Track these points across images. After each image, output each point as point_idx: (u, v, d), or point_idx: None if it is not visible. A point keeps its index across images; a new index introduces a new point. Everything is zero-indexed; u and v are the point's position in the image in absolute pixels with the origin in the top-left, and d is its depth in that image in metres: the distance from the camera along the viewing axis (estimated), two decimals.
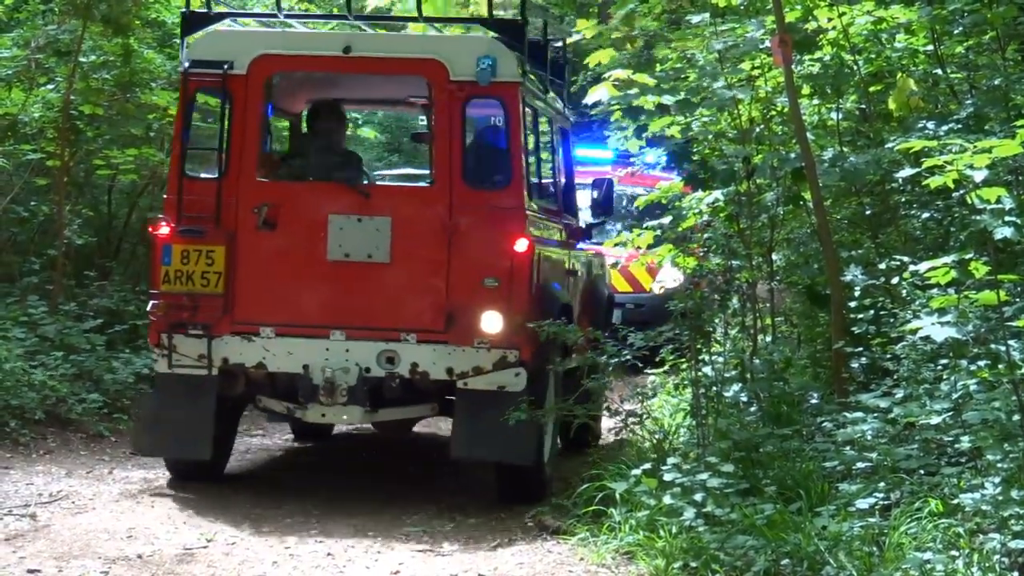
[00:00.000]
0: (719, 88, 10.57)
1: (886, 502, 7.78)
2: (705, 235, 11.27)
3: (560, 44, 12.14)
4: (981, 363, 7.87)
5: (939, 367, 8.32)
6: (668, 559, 7.85)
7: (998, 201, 7.55)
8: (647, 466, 9.10)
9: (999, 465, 7.46)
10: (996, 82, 10.47)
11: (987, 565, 6.91)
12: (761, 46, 10.21)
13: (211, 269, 9.33)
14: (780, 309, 11.40)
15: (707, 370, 10.38)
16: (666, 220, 11.41)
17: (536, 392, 9.43)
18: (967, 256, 7.68)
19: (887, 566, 7.11)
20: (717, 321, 11.26)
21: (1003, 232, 7.57)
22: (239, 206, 9.36)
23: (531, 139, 10.49)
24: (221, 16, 9.98)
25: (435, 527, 9.53)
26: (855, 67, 10.76)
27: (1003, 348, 7.62)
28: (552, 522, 9.28)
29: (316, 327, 9.40)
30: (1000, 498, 7.19)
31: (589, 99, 11.64)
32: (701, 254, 11.48)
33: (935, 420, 7.96)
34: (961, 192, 7.81)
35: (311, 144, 10.94)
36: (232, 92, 9.55)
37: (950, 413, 7.96)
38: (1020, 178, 9.11)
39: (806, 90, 10.74)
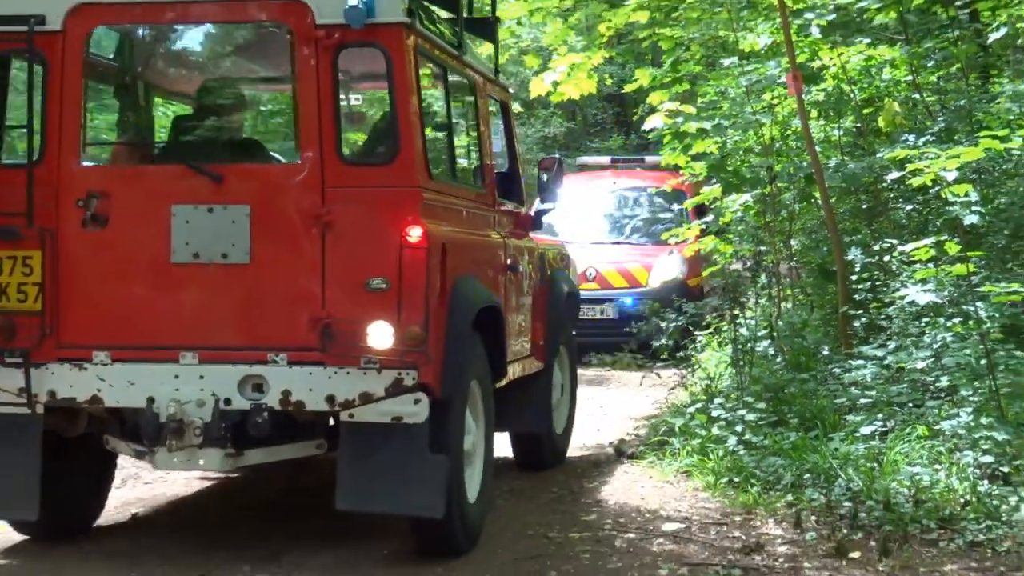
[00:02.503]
0: (746, 114, 10.51)
1: (883, 429, 7.74)
2: (739, 227, 11.25)
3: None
4: (955, 320, 7.88)
5: (923, 324, 8.33)
6: (716, 476, 7.83)
7: (966, 195, 7.66)
8: (699, 405, 9.20)
9: (970, 399, 7.51)
10: (962, 103, 10.48)
11: (963, 476, 6.95)
12: (778, 81, 10.13)
13: (28, 280, 5.78)
14: (798, 282, 11.40)
15: (743, 330, 10.28)
16: (709, 217, 11.42)
17: (445, 422, 5.87)
18: (942, 238, 7.81)
19: (885, 478, 7.09)
20: (750, 293, 11.16)
21: (970, 219, 7.67)
22: (59, 199, 5.84)
23: (435, 103, 7.20)
24: None
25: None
26: (852, 94, 10.71)
27: (972, 308, 7.66)
28: (628, 449, 9.16)
29: (161, 349, 5.80)
30: (972, 424, 7.27)
31: (646, 126, 11.56)
32: (737, 242, 11.58)
33: (920, 365, 7.97)
34: (937, 189, 7.91)
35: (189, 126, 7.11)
36: (45, 54, 5.89)
37: (931, 359, 7.98)
38: (982, 176, 9.14)
39: (814, 113, 10.64)
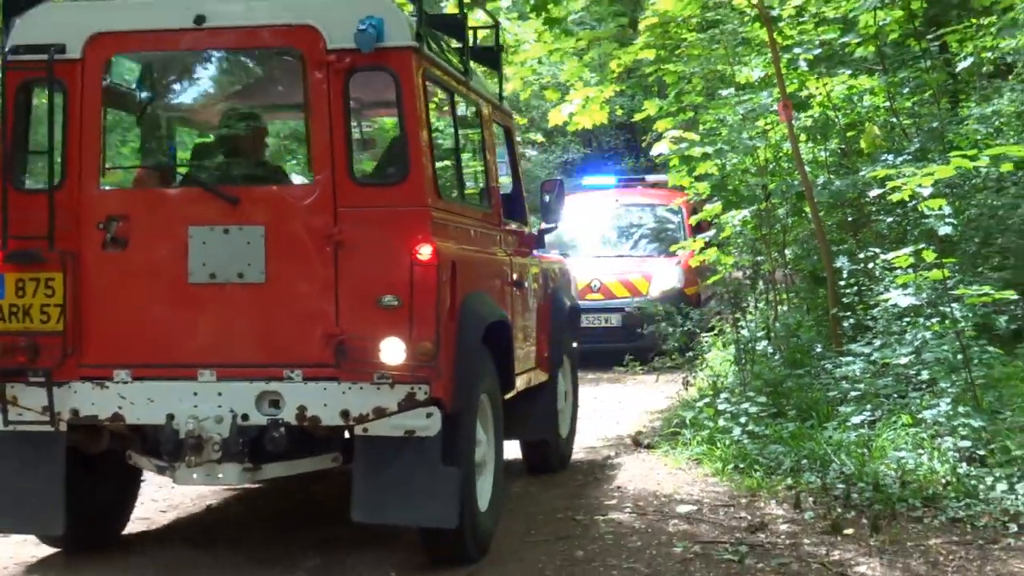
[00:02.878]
0: (743, 139, 10.46)
1: (871, 418, 7.73)
2: (738, 240, 11.14)
3: (492, 27, 7.96)
4: (933, 320, 7.85)
5: (904, 323, 8.29)
6: (724, 462, 7.86)
7: (940, 208, 7.61)
8: (706, 400, 9.21)
9: (949, 390, 7.48)
10: (934, 125, 10.47)
11: (944, 459, 6.94)
12: (770, 109, 10.06)
13: (51, 301, 5.37)
14: (792, 288, 11.33)
15: (744, 332, 10.21)
16: (711, 232, 11.35)
17: (456, 435, 5.43)
18: (920, 247, 7.77)
19: (874, 462, 7.08)
20: (749, 298, 11.11)
21: (944, 230, 7.64)
22: (80, 222, 5.44)
23: (443, 127, 6.78)
24: None
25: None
26: (836, 119, 10.71)
27: (948, 309, 7.64)
28: (644, 440, 9.16)
29: (180, 366, 5.38)
30: (950, 413, 7.25)
31: (653, 151, 11.42)
32: (737, 253, 11.50)
33: (903, 360, 7.95)
34: (914, 203, 7.85)
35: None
36: (65, 82, 5.46)
37: (913, 355, 7.96)
38: (954, 190, 9.07)
39: (803, 137, 10.62)
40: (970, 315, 7.67)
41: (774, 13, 10.32)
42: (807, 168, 10.05)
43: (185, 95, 6.79)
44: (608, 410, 11.03)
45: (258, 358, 5.36)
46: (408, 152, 5.36)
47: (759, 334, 10.27)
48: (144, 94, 6.56)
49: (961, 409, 7.19)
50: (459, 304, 5.48)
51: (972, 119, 10.82)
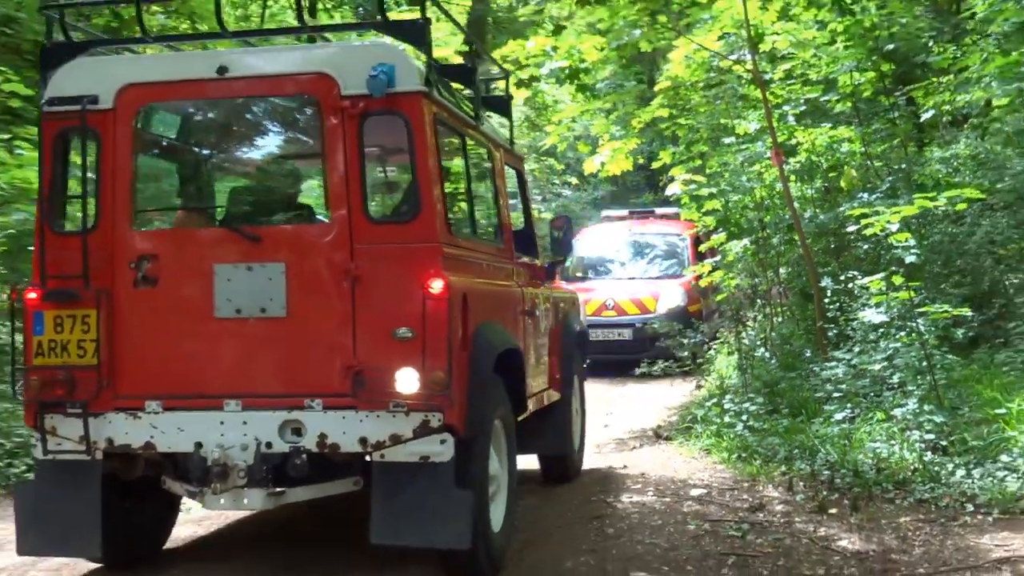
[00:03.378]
0: (742, 180, 10.44)
1: (851, 415, 7.70)
2: (739, 265, 11.07)
3: (503, 78, 7.67)
4: (902, 332, 7.79)
5: (878, 334, 8.20)
6: (729, 452, 7.87)
7: (906, 241, 7.65)
8: (714, 400, 9.18)
9: (915, 391, 7.42)
10: (902, 166, 10.47)
11: (912, 449, 6.91)
12: (765, 156, 10.09)
13: (87, 337, 4.94)
14: (786, 303, 11.31)
15: (745, 341, 10.24)
16: (717, 257, 11.35)
17: (469, 460, 4.92)
18: (891, 271, 7.70)
19: (854, 452, 7.07)
20: (749, 313, 11.13)
21: (909, 258, 7.68)
22: (114, 261, 5.02)
23: (455, 167, 6.18)
24: (86, 46, 5.36)
25: (590, 442, 8.77)
26: (820, 163, 10.67)
27: (914, 324, 7.60)
28: (663, 433, 9.17)
29: (208, 397, 4.92)
30: (917, 410, 7.21)
31: (668, 191, 11.42)
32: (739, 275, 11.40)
33: (877, 366, 7.91)
34: (884, 235, 7.84)
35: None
36: (99, 130, 5.07)
37: (885, 361, 7.89)
38: (919, 220, 9.04)
39: (793, 178, 10.55)
40: (933, 328, 7.62)
41: (767, 77, 10.42)
42: (796, 204, 9.99)
43: (212, 141, 6.29)
44: (636, 407, 11.01)
45: (281, 389, 4.85)
46: (419, 191, 4.84)
47: (758, 342, 10.20)
48: (175, 141, 5.99)
49: (926, 407, 7.15)
50: (472, 334, 4.96)
51: (934, 161, 10.83)
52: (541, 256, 7.12)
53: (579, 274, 13.72)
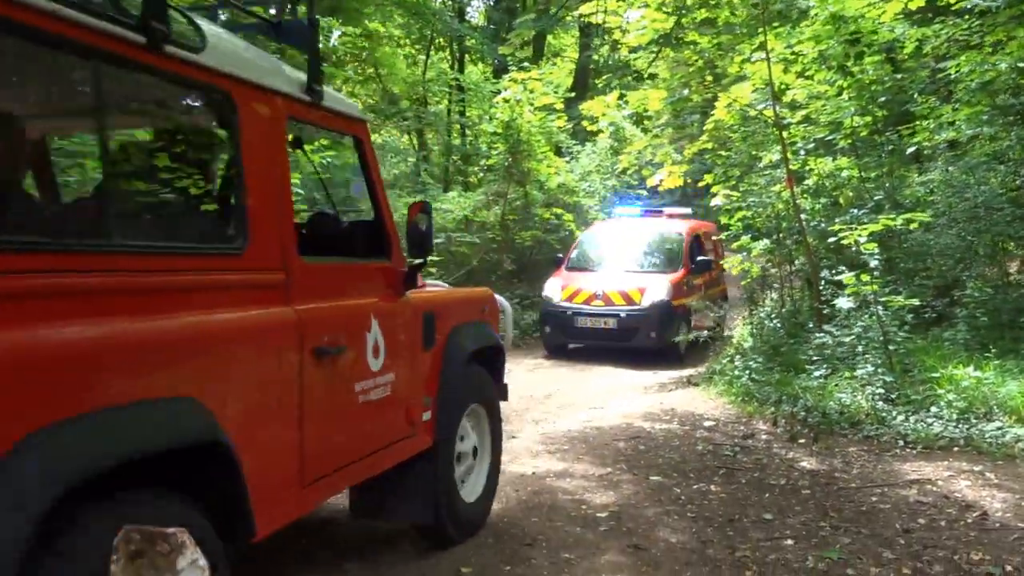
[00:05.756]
0: (765, 198, 10.42)
1: (827, 373, 7.64)
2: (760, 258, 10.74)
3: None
4: (866, 315, 7.83)
5: (851, 316, 8.27)
6: (737, 396, 7.89)
7: (873, 250, 7.79)
8: (728, 359, 9.17)
9: (873, 359, 7.44)
10: (887, 186, 10.44)
11: (867, 400, 6.94)
12: (783, 179, 10.19)
13: None
14: (795, 288, 11.26)
15: (762, 314, 10.15)
16: (744, 252, 11.34)
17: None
18: (859, 272, 7.72)
19: (825, 400, 7.05)
20: (765, 295, 10.99)
21: (873, 262, 7.71)
22: None
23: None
24: None
25: (641, 384, 9.05)
26: (826, 185, 10.60)
27: (876, 309, 7.62)
28: (693, 380, 9.06)
29: None
30: (873, 372, 7.24)
31: (711, 203, 11.28)
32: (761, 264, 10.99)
33: (848, 338, 7.92)
34: (858, 244, 7.89)
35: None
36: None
37: (856, 335, 7.92)
38: (883, 239, 9.00)
39: (805, 196, 10.48)
40: (888, 313, 7.64)
41: (786, 121, 10.52)
42: (805, 215, 9.92)
43: None
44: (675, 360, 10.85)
45: None
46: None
47: (773, 315, 10.07)
48: None
49: (880, 370, 7.20)
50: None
51: (914, 184, 10.79)
52: (395, 255, 3.70)
53: (578, 266, 11.76)
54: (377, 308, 3.45)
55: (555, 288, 11.23)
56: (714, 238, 12.76)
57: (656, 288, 10.98)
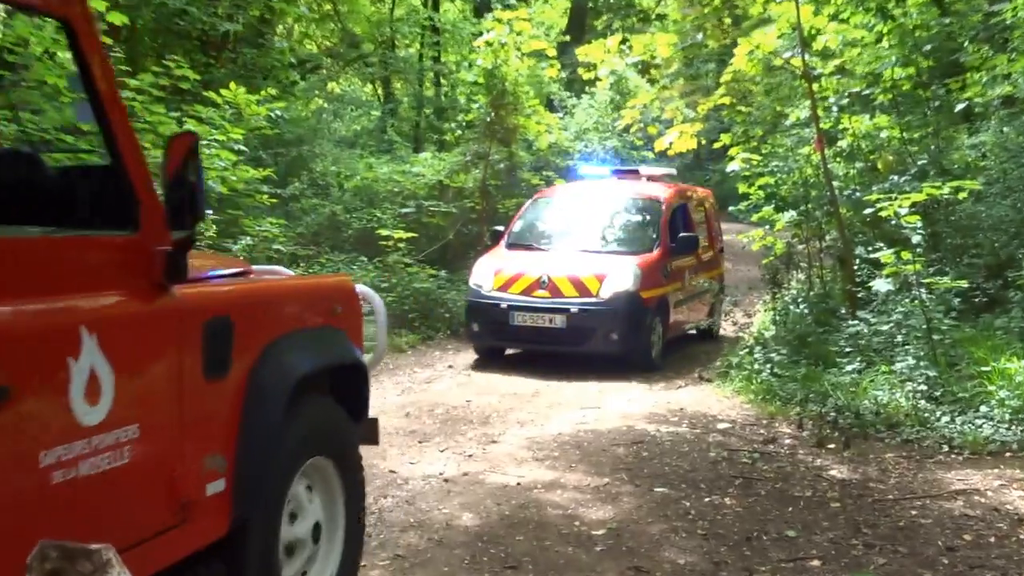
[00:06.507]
0: (790, 162, 10.48)
1: (861, 367, 7.73)
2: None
3: None
4: (907, 299, 7.89)
5: (891, 299, 8.33)
6: (755, 394, 7.94)
7: (915, 223, 7.87)
8: (747, 350, 9.17)
9: (913, 351, 7.53)
10: (932, 148, 10.51)
11: (907, 398, 7.02)
12: (810, 142, 10.26)
13: None
14: (825, 267, 11.35)
15: (787, 299, 10.24)
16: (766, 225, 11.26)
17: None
18: (899, 249, 7.82)
19: (859, 398, 7.17)
20: (790, 276, 11.09)
21: (916, 238, 7.81)
22: None
23: None
24: None
25: (649, 381, 8.95)
26: (862, 147, 10.67)
27: (918, 292, 7.73)
28: (705, 375, 9.08)
29: None
30: (914, 365, 7.34)
31: (728, 168, 11.29)
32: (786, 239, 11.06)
33: (886, 326, 8.01)
34: (898, 216, 7.94)
35: None
36: None
37: (895, 323, 8.00)
38: (927, 210, 9.10)
39: (838, 160, 10.61)
40: (934, 297, 7.70)
41: (816, 72, 10.55)
42: (839, 182, 9.97)
43: None
44: (689, 355, 10.72)
45: None
46: None
47: (799, 299, 10.11)
48: None
49: (921, 363, 7.28)
50: None
51: (964, 148, 10.87)
52: (147, 223, 2.60)
53: (521, 243, 10.11)
54: (99, 315, 2.39)
55: (486, 273, 9.51)
56: (707, 206, 11.70)
57: (620, 275, 9.24)
